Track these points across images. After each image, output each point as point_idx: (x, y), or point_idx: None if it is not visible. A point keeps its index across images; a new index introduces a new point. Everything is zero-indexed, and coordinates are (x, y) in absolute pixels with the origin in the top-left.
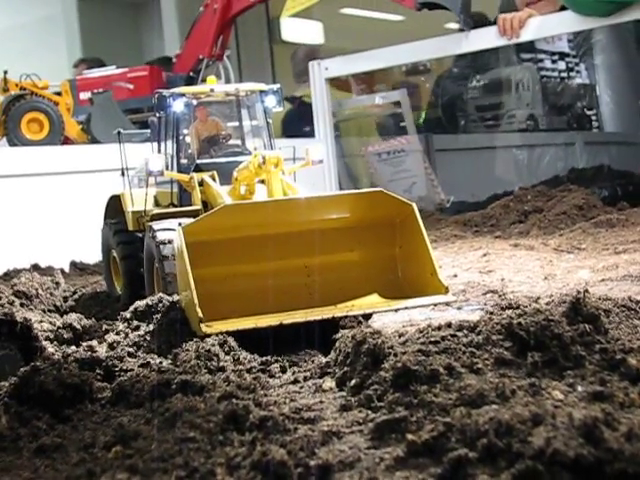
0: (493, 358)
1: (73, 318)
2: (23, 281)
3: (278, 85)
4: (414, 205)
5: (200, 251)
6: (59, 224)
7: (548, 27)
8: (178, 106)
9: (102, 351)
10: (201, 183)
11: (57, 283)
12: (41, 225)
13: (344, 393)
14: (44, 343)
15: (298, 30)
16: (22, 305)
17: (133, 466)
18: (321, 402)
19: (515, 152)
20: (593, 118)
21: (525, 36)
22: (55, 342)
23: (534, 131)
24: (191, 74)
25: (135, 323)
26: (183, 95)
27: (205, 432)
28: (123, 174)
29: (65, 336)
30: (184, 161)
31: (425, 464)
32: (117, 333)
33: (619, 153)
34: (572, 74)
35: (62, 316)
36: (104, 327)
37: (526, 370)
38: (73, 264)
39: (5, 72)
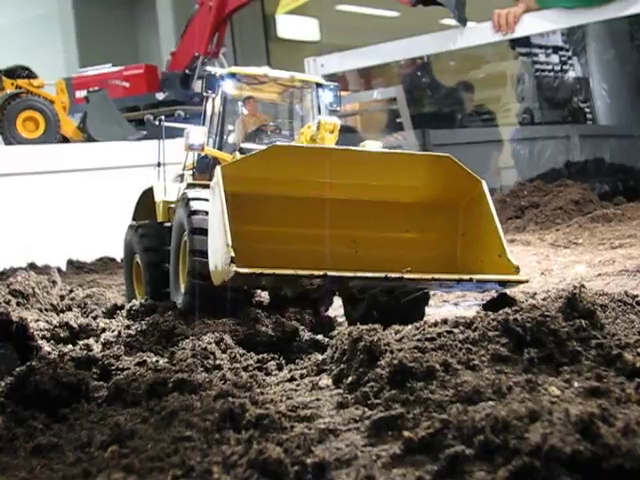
0: (489, 354)
1: (69, 317)
2: (19, 280)
3: (336, 83)
4: (484, 182)
5: (239, 203)
6: (56, 223)
7: (543, 22)
8: (228, 86)
9: (98, 349)
10: None
11: (54, 282)
12: (38, 224)
13: (340, 390)
14: (40, 342)
15: (294, 27)
16: (18, 304)
17: (129, 465)
18: (317, 400)
19: (512, 146)
20: (587, 111)
21: (520, 31)
22: (52, 341)
23: (529, 124)
24: (187, 71)
25: (130, 322)
26: (234, 75)
27: (201, 431)
28: (159, 165)
29: (62, 335)
30: (228, 142)
31: (422, 461)
32: (113, 332)
33: (614, 146)
34: (566, 67)
35: (59, 315)
36: (100, 325)
37: (522, 366)
38: (70, 262)
39: (0, 71)
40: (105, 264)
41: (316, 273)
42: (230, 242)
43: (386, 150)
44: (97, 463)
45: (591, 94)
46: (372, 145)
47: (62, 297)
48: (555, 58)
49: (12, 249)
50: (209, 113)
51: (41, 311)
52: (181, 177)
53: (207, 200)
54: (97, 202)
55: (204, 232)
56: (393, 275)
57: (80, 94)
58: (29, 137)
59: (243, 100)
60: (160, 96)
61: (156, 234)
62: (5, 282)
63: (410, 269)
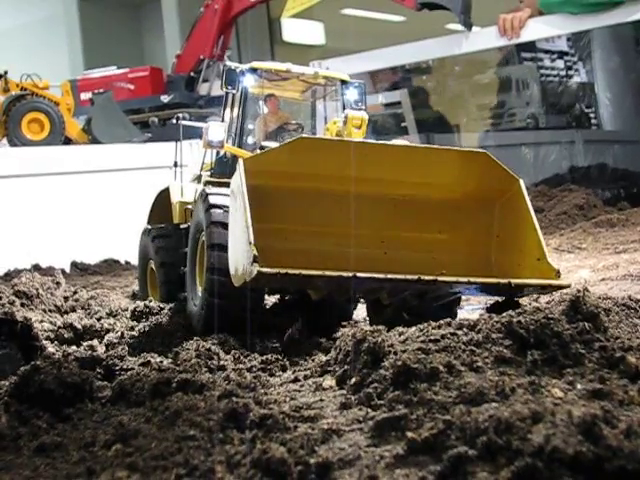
0: (493, 356)
1: (74, 318)
2: (24, 281)
3: (362, 81)
4: (521, 181)
5: (261, 199)
6: (60, 224)
7: (549, 27)
8: (248, 82)
9: (102, 350)
10: None
11: (58, 283)
12: (42, 225)
13: (344, 391)
14: (44, 343)
15: (299, 31)
16: (23, 305)
17: (133, 464)
18: (321, 400)
19: (516, 150)
20: (592, 116)
21: (525, 36)
22: (55, 342)
23: (534, 129)
24: (192, 74)
25: (134, 323)
26: (255, 70)
27: (205, 430)
28: (176, 165)
29: (66, 336)
30: (248, 142)
31: (425, 462)
32: (117, 333)
33: (619, 151)
34: (571, 72)
35: (62, 316)
36: (104, 327)
37: (526, 368)
38: (74, 264)
39: (5, 72)
40: (109, 266)
41: (345, 274)
42: (253, 240)
43: (418, 145)
44: (101, 462)
45: (596, 99)
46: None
47: (66, 298)
48: (560, 63)
49: (16, 250)
50: (229, 110)
51: (45, 312)
52: (198, 178)
53: (227, 195)
54: (101, 204)
55: (224, 226)
56: (426, 278)
57: (85, 96)
58: (34, 139)
59: (264, 98)
60: (165, 99)
61: (171, 234)
62: (9, 283)
63: (445, 272)
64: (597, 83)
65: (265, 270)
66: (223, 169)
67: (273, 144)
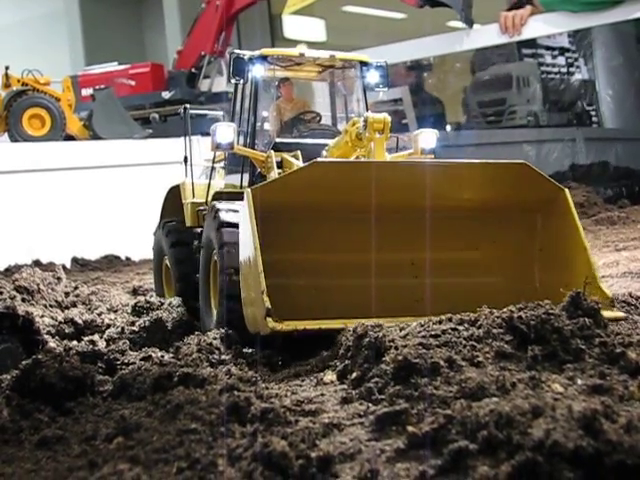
0: (493, 351)
1: (74, 313)
2: (24, 276)
3: (385, 60)
4: (567, 191)
5: (274, 228)
6: (60, 220)
7: (550, 25)
8: (258, 71)
9: (103, 345)
10: (280, 164)
11: (58, 278)
12: (42, 221)
13: (345, 386)
14: (45, 337)
15: (300, 27)
16: (23, 300)
17: (135, 457)
18: (322, 395)
19: (517, 148)
20: (593, 114)
21: (526, 34)
22: (56, 337)
23: (535, 127)
24: (193, 70)
25: (135, 319)
26: (265, 58)
27: (207, 424)
28: (186, 161)
29: (67, 331)
30: (262, 134)
31: (425, 456)
32: (118, 328)
33: (620, 149)
34: (572, 69)
35: (63, 311)
36: (105, 322)
37: (526, 363)
38: (74, 260)
39: (7, 68)
40: (110, 262)
41: (369, 324)
42: (264, 287)
43: (447, 161)
44: (103, 455)
45: (597, 97)
46: (428, 134)
47: (67, 294)
48: (561, 60)
49: (17, 246)
50: (239, 103)
51: (46, 307)
52: (211, 171)
53: (237, 211)
54: (102, 200)
55: (236, 246)
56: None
57: (86, 92)
58: (35, 134)
59: (277, 83)
60: (166, 95)
61: (185, 230)
62: (10, 278)
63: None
64: (598, 80)
65: (280, 328)
66: (237, 162)
67: (289, 140)
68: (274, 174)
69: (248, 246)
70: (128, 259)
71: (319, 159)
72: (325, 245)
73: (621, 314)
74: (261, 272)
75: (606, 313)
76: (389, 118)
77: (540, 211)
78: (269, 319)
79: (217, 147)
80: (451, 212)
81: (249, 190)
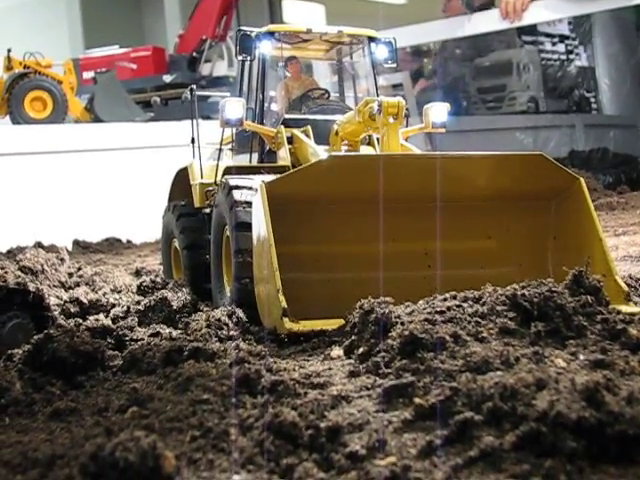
0: (498, 327)
1: (79, 292)
2: (28, 257)
3: (393, 36)
4: (582, 179)
5: (288, 221)
6: (62, 203)
7: (551, 10)
8: (266, 47)
9: (109, 324)
10: (290, 140)
11: (62, 259)
12: (44, 203)
13: (352, 361)
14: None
15: (300, 12)
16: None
17: (149, 425)
18: (330, 369)
19: (516, 134)
20: (592, 101)
21: (527, 19)
22: (62, 316)
23: (534, 113)
24: (194, 54)
25: (140, 298)
26: (272, 34)
27: (218, 395)
28: (193, 142)
29: (72, 310)
30: (271, 111)
31: (432, 426)
32: (123, 307)
33: (619, 136)
34: (572, 56)
35: (67, 291)
36: (110, 301)
37: (529, 339)
38: (76, 242)
39: (9, 50)
40: (111, 244)
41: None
42: (280, 286)
43: (459, 153)
44: (118, 423)
45: (596, 83)
46: (439, 107)
47: (70, 274)
48: (561, 47)
49: (19, 228)
50: (246, 80)
51: (50, 287)
52: (219, 153)
53: (251, 188)
54: (104, 183)
55: (249, 227)
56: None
57: (87, 75)
58: (37, 117)
59: (285, 61)
60: (167, 78)
61: (194, 214)
62: (14, 259)
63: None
64: (598, 67)
65: (297, 329)
66: (245, 142)
67: (298, 116)
68: (284, 150)
69: (262, 236)
70: (129, 242)
71: (334, 153)
72: (338, 237)
73: (637, 309)
74: (276, 270)
75: (622, 307)
76: (404, 102)
77: (554, 199)
78: (285, 319)
79: (226, 123)
80: (465, 201)
81: (263, 184)
